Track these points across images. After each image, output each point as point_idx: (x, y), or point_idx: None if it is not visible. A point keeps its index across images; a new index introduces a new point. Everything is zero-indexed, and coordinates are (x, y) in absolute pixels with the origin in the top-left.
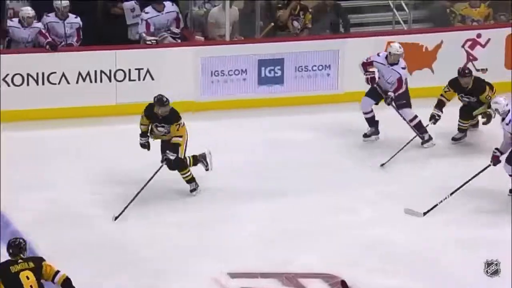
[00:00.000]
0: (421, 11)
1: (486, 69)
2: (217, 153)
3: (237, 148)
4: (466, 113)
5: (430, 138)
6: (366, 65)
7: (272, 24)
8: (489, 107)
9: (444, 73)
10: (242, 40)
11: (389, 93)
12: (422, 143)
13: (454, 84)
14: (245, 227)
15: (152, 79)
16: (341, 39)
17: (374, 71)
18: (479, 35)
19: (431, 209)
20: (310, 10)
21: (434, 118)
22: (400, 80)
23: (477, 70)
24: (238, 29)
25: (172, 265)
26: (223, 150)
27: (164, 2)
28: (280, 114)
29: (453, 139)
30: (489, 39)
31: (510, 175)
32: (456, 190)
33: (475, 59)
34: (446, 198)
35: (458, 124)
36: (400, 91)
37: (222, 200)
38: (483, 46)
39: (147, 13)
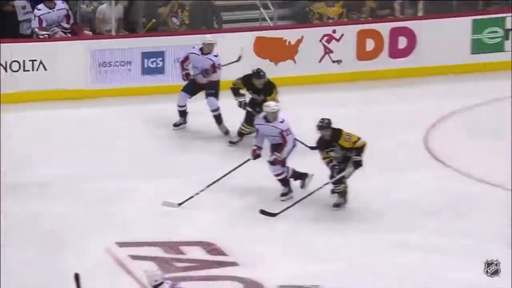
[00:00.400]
0: (285, 9)
1: (341, 60)
2: (106, 137)
3: (124, 133)
4: (251, 119)
5: (227, 132)
6: (183, 62)
7: (154, 20)
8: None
9: (305, 64)
10: (126, 34)
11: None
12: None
13: (246, 81)
14: (133, 204)
15: (45, 69)
16: (215, 34)
17: (188, 68)
18: (334, 31)
19: (187, 200)
20: (187, 8)
21: (244, 104)
22: (213, 66)
23: (333, 62)
24: (123, 25)
25: (68, 239)
26: (112, 135)
27: (55, 0)
28: (162, 102)
29: (230, 142)
30: (342, 34)
31: (275, 175)
32: (213, 183)
33: (331, 51)
34: (202, 190)
35: (240, 128)
36: (214, 77)
37: (113, 180)
38: (338, 40)
39: (39, 9)
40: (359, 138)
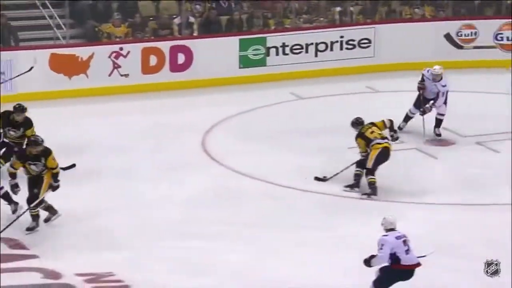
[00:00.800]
0: (77, 29)
1: (128, 74)
2: None
3: None
4: (8, 155)
5: None
6: None
7: None
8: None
9: (96, 78)
10: None
11: None
12: None
13: (5, 118)
14: None
15: None
16: (13, 51)
17: None
18: (121, 48)
19: None
20: None
21: (5, 136)
22: None
23: (121, 75)
24: None
25: None
26: None
27: None
28: None
29: None
30: (129, 51)
31: None
32: None
33: (119, 66)
34: None
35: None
36: None
37: None
38: (125, 56)
39: None
40: (58, 166)
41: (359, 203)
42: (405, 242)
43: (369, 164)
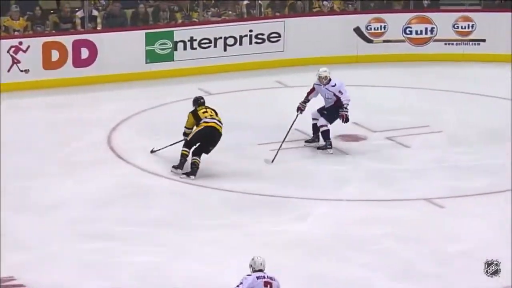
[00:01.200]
0: None
1: (28, 70)
2: None
3: None
4: None
5: None
6: None
7: None
8: None
9: None
10: None
11: None
12: None
13: None
14: None
15: None
16: None
17: None
18: (21, 43)
19: None
20: None
21: None
22: None
23: (21, 71)
24: None
25: None
26: None
27: None
28: None
29: None
30: (29, 46)
31: None
32: None
33: (19, 62)
34: None
35: None
36: None
37: None
38: (25, 51)
39: None
40: None
41: (267, 200)
42: (266, 283)
43: (189, 137)
